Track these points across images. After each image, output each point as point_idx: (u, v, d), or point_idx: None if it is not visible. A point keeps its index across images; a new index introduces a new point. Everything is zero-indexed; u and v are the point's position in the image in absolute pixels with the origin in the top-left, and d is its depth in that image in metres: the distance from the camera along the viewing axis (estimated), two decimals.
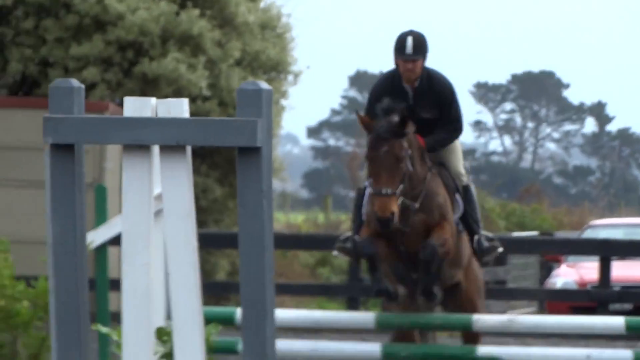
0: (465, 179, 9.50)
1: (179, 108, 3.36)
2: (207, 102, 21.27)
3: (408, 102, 9.21)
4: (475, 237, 9.25)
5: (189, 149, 3.39)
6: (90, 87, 19.83)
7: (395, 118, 8.75)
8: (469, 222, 9.30)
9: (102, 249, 10.03)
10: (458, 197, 9.28)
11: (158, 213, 3.39)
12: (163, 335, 3.41)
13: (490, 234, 9.47)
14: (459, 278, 9.55)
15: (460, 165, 9.53)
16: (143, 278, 3.39)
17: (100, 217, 10.29)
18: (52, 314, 3.29)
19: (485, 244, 9.25)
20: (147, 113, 3.39)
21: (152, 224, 3.36)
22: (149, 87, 19.63)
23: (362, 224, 9.19)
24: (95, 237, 9.28)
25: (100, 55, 20.97)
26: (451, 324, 11.31)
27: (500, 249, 9.59)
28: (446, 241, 8.99)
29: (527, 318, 13.91)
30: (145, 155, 3.38)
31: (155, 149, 3.40)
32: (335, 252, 10.05)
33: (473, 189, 9.65)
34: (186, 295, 3.35)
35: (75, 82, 3.33)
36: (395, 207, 8.64)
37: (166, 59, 20.00)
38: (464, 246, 9.26)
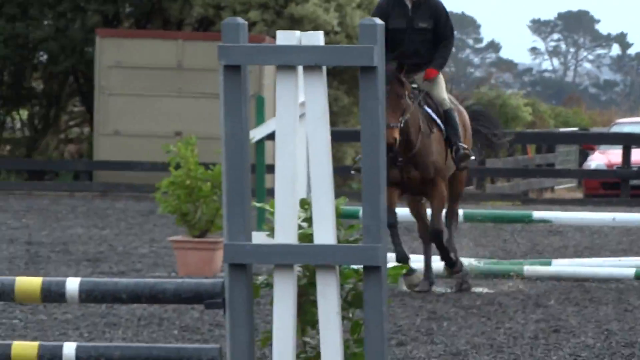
0: (448, 104, 9.10)
1: (317, 39, 3.42)
2: (337, 35, 23.13)
3: (407, 14, 8.94)
4: (454, 147, 8.92)
5: (324, 68, 3.49)
6: (251, 25, 20.45)
7: (394, 65, 8.43)
8: (449, 136, 8.95)
9: (260, 143, 10.69)
10: (439, 121, 8.99)
11: (302, 116, 3.61)
12: (305, 204, 3.64)
13: (465, 145, 8.95)
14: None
15: (442, 93, 9.14)
16: (290, 163, 3.52)
17: (260, 119, 10.98)
18: (224, 190, 3.39)
19: (460, 151, 8.95)
20: (294, 42, 3.47)
21: (298, 123, 3.52)
22: (295, 24, 20.51)
23: None
24: (256, 133, 9.81)
25: (259, 1, 22.81)
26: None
27: (473, 157, 9.25)
28: (443, 205, 9.09)
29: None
30: (292, 73, 3.53)
31: (300, 68, 3.52)
32: (352, 172, 9.91)
33: (454, 112, 9.12)
34: (322, 175, 3.49)
35: (241, 20, 3.57)
36: (397, 135, 8.40)
37: (307, 3, 21.24)
38: (443, 146, 9.14)
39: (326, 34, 18.81)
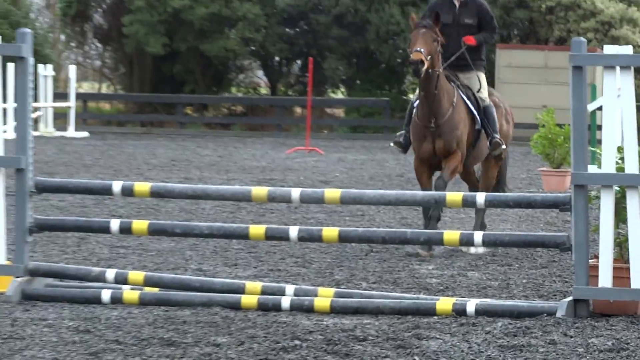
0: (487, 102, 9.97)
1: (628, 50, 6.79)
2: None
3: (455, 11, 9.85)
4: (489, 138, 9.81)
5: (632, 68, 6.16)
6: (589, 42, 29.65)
7: (434, 15, 9.47)
8: (486, 129, 9.81)
9: (593, 113, 15.99)
10: (477, 114, 9.80)
11: (618, 96, 6.23)
12: (620, 149, 6.25)
13: (498, 136, 9.80)
14: (480, 161, 10.34)
15: (484, 92, 9.99)
16: (612, 125, 6.25)
17: (593, 98, 15.44)
18: (572, 140, 6.31)
19: (494, 139, 9.77)
20: (614, 52, 6.66)
21: (616, 101, 6.24)
22: (615, 41, 30.51)
23: (411, 122, 9.88)
24: (590, 107, 14.27)
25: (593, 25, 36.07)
26: None
27: (504, 147, 9.93)
28: (455, 167, 9.70)
29: None
30: (613, 71, 6.21)
31: (617, 68, 6.19)
32: (391, 144, 10.59)
33: (492, 108, 9.99)
34: (630, 133, 6.11)
35: (582, 39, 6.32)
36: (423, 58, 9.12)
37: (622, 29, 33.98)
38: (483, 143, 9.91)
39: (633, 47, 27.69)
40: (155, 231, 7.26)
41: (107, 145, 28.16)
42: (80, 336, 5.62)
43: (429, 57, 9.13)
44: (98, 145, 27.79)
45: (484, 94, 9.92)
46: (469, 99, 9.73)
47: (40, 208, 11.58)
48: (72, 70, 31.99)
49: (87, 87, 46.82)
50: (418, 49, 9.08)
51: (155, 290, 6.82)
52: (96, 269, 7.30)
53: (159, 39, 36.43)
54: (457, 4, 9.86)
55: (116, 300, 6.69)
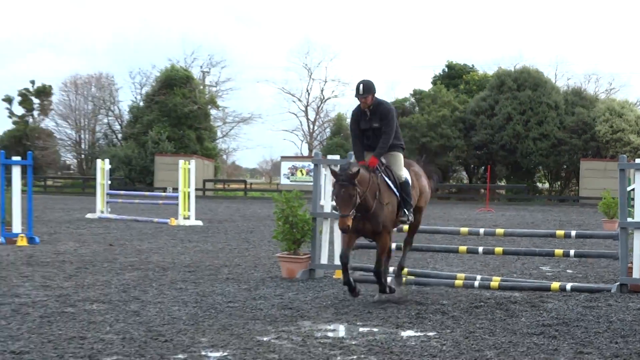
0: (402, 178, 11.77)
1: None
2: None
3: (366, 118, 11.76)
4: (403, 209, 11.77)
5: None
6: None
7: (351, 170, 11.00)
8: (401, 200, 11.72)
9: (630, 192, 16.61)
10: (395, 189, 11.62)
11: None
12: None
13: (406, 212, 11.75)
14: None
15: (400, 170, 11.80)
16: None
17: (629, 183, 16.07)
18: None
19: (401, 217, 11.81)
20: None
21: None
22: None
23: None
24: (628, 188, 15.71)
25: None
26: None
27: (409, 220, 11.89)
28: (385, 245, 11.71)
29: None
30: None
31: None
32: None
33: (409, 181, 11.87)
34: None
35: None
36: (349, 222, 10.87)
37: None
38: (395, 208, 11.68)
39: None
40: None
41: None
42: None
43: (352, 213, 10.88)
44: None
45: (400, 171, 11.78)
46: (388, 177, 11.63)
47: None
48: None
49: None
50: (344, 214, 10.83)
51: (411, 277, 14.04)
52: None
53: None
54: (368, 113, 11.71)
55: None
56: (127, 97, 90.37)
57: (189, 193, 28.52)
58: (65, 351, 8.33)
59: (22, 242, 19.68)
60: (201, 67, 77.32)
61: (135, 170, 64.01)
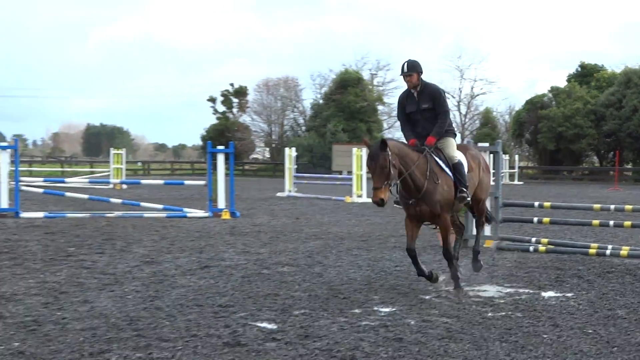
0: (455, 159, 9.69)
1: None
2: None
3: (414, 101, 9.77)
4: (459, 189, 9.63)
5: None
6: None
7: (378, 143, 8.96)
8: (456, 181, 9.61)
9: None
10: (448, 170, 9.55)
11: None
12: None
13: (463, 189, 9.60)
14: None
15: (452, 152, 9.70)
16: None
17: None
18: None
19: (460, 194, 9.60)
20: None
21: None
22: None
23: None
24: None
25: None
26: None
27: (468, 199, 9.73)
28: (447, 227, 9.57)
29: None
30: None
31: None
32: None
33: (462, 162, 9.78)
34: None
35: None
36: (382, 195, 8.77)
37: None
38: (451, 189, 9.56)
39: None
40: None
41: None
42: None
43: (385, 183, 8.80)
44: None
45: (452, 152, 9.67)
46: (441, 159, 9.54)
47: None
48: None
49: None
50: (376, 186, 8.82)
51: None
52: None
53: None
54: (415, 94, 9.74)
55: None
56: (309, 96, 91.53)
57: (361, 175, 28.71)
58: (262, 305, 8.56)
59: (225, 215, 20.24)
60: (370, 70, 77.52)
61: (316, 156, 64.96)
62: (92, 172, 53.49)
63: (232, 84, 75.89)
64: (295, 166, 32.75)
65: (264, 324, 7.63)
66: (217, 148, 21.46)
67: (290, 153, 32.25)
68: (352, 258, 12.55)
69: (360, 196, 28.43)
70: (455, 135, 10.00)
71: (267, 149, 78.89)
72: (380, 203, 8.78)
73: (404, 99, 9.85)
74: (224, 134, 68.70)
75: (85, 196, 22.46)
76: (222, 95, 75.14)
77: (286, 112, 77.35)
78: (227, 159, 21.28)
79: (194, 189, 35.72)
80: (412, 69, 9.66)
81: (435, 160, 9.46)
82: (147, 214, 20.35)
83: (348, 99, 67.68)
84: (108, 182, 25.95)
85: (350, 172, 32.65)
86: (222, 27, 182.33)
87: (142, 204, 21.67)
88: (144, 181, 24.77)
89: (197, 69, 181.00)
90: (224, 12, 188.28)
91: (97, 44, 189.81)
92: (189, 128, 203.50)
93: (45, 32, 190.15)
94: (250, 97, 76.43)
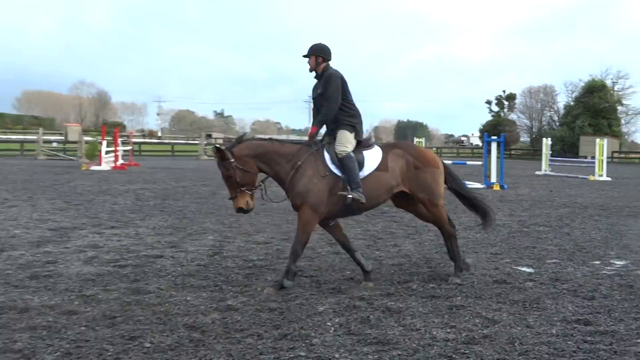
0: (342, 154, 6.44)
1: None
2: None
3: (317, 86, 6.75)
4: (345, 186, 6.37)
5: None
6: None
7: (217, 152, 6.28)
8: (342, 179, 6.40)
9: None
10: (332, 165, 6.46)
11: None
12: None
13: (348, 188, 6.40)
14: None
15: (339, 145, 6.48)
16: None
17: None
18: None
19: (347, 194, 6.35)
20: None
21: None
22: None
23: None
24: None
25: None
26: None
27: (349, 197, 6.36)
28: (305, 222, 6.31)
29: None
30: None
31: None
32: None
33: (351, 156, 6.44)
34: None
35: None
36: (240, 204, 6.22)
37: None
38: (330, 183, 6.40)
39: None
40: None
41: None
42: None
43: (240, 190, 6.24)
44: None
45: (340, 147, 6.46)
46: (329, 153, 6.52)
47: None
48: None
49: None
50: (230, 197, 6.30)
51: None
52: None
53: None
54: (317, 81, 6.75)
55: None
56: (562, 99, 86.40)
57: (602, 160, 26.81)
58: (523, 254, 8.32)
59: (496, 187, 19.78)
60: (611, 78, 71.72)
61: (567, 145, 61.78)
62: None
63: (504, 91, 75.55)
64: (550, 152, 31.29)
65: (524, 268, 7.44)
66: (491, 138, 21.07)
67: (546, 142, 30.85)
68: (594, 222, 11.73)
69: (601, 175, 26.47)
70: (354, 127, 6.67)
71: (529, 139, 76.40)
72: (240, 211, 6.27)
73: (315, 85, 6.87)
74: (496, 128, 67.69)
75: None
76: (496, 99, 74.78)
77: (544, 112, 75.05)
78: (498, 146, 20.84)
79: (474, 168, 35.31)
80: (310, 51, 6.73)
81: (317, 153, 6.55)
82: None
83: (593, 101, 64.05)
84: None
85: (593, 157, 30.58)
86: (496, 47, 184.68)
87: None
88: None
89: (477, 80, 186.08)
90: (497, 37, 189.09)
91: (406, 63, 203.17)
92: (470, 123, 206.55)
93: (369, 58, 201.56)
94: (517, 100, 75.29)
